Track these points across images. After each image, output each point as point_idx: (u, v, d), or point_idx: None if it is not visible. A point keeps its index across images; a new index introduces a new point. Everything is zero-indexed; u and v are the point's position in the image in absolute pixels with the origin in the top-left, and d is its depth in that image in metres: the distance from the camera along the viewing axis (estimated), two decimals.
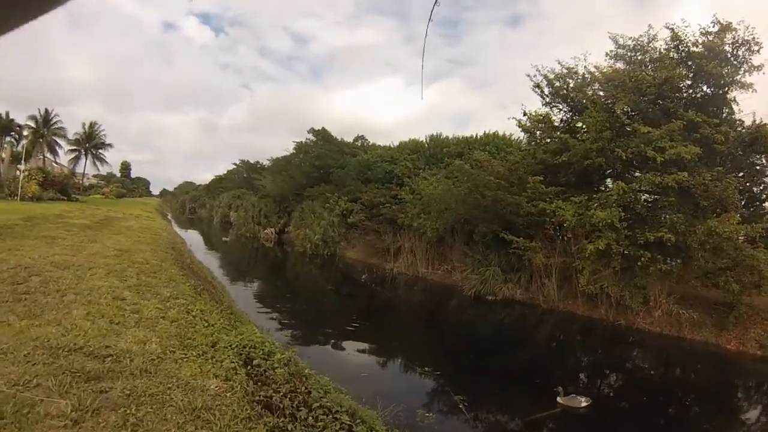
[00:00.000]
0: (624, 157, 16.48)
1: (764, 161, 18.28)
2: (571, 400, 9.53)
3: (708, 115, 16.72)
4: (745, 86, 17.17)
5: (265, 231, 37.13)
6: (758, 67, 16.93)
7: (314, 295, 22.44)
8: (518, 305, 20.55)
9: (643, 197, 17.09)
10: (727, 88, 17.67)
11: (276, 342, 7.63)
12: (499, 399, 10.70)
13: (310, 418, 4.69)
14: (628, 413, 10.38)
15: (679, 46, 17.88)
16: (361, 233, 30.28)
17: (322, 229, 30.74)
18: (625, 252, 16.28)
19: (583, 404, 9.53)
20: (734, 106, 17.91)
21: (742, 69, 17.20)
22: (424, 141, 32.62)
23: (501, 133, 30.27)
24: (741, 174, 17.89)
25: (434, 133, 32.49)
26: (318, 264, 29.19)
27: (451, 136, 32.01)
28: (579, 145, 18.53)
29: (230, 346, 5.70)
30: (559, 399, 9.45)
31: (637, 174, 17.73)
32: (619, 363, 14.66)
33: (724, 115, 18.01)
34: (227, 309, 8.88)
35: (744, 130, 17.68)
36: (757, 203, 19.02)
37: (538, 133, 22.23)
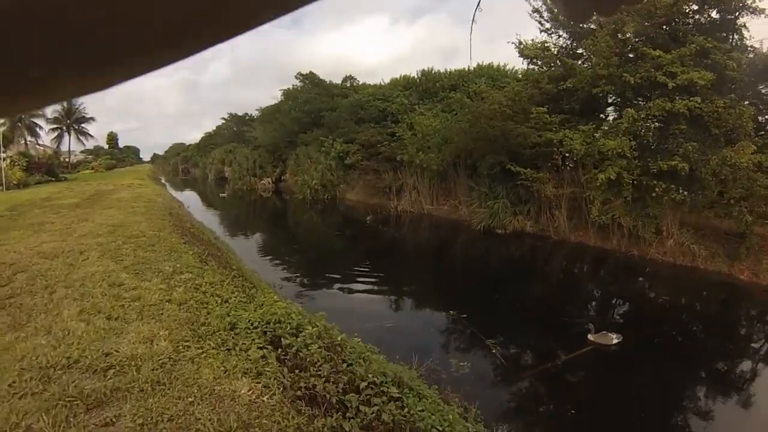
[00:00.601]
0: (633, 83, 15.61)
1: None
2: (602, 337, 9.14)
3: (717, 41, 15.82)
4: (756, 11, 15.91)
5: (262, 182, 35.91)
6: None
7: (319, 240, 21.75)
8: (528, 237, 20.10)
9: (653, 125, 16.20)
10: (737, 13, 16.43)
11: (299, 306, 6.86)
12: (528, 338, 10.09)
13: (361, 404, 3.90)
14: (656, 347, 9.74)
15: None
16: (360, 174, 29.33)
17: (320, 174, 29.72)
18: (636, 181, 15.67)
19: (615, 341, 9.12)
20: (744, 32, 16.79)
21: None
22: (416, 76, 31.14)
23: (495, 64, 29.01)
24: (747, 103, 16.64)
25: (426, 68, 30.97)
26: (319, 209, 28.29)
27: (443, 71, 30.58)
28: (585, 71, 17.61)
29: (252, 325, 4.84)
30: (590, 336, 9.09)
31: (641, 102, 17.01)
32: (638, 294, 14.02)
33: (734, 41, 16.89)
34: (238, 274, 8.00)
35: (755, 57, 16.58)
36: (763, 132, 17.41)
37: (539, 61, 20.99)
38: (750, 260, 14.37)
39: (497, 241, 19.93)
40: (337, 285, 13.43)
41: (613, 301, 13.56)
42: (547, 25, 20.66)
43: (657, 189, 14.92)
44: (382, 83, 33.07)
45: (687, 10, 16.75)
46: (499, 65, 28.81)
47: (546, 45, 20.73)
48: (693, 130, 15.29)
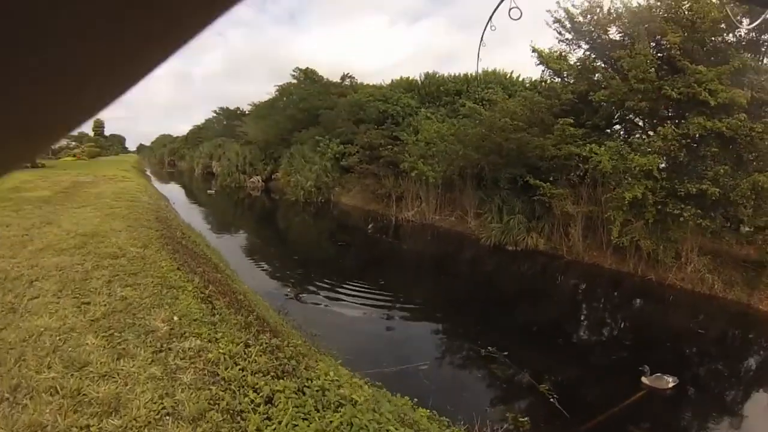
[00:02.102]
0: (674, 97, 14.07)
1: None
2: (657, 381, 8.07)
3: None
4: None
5: (251, 180, 32.83)
6: None
7: (313, 247, 19.36)
8: (541, 256, 18.14)
9: (686, 145, 14.42)
10: None
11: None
12: (576, 380, 8.47)
13: None
14: (709, 389, 8.79)
15: None
16: (358, 177, 26.84)
17: (315, 175, 27.07)
18: (660, 203, 14.28)
19: (671, 384, 8.06)
20: None
21: None
22: (419, 79, 28.89)
23: (501, 70, 26.97)
24: None
25: (429, 71, 28.74)
26: (312, 212, 25.65)
27: (446, 74, 28.42)
28: (620, 86, 15.68)
29: None
30: (644, 379, 8.02)
31: (673, 120, 15.49)
32: (674, 325, 12.29)
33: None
34: (260, 322, 5.54)
35: None
36: None
37: (565, 72, 19.20)
38: None
39: (508, 258, 18.02)
40: (337, 294, 11.93)
41: (647, 333, 11.79)
42: (568, 36, 18.86)
43: (685, 212, 13.61)
44: (383, 84, 30.69)
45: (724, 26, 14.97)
46: (506, 72, 26.73)
47: (565, 55, 19.11)
48: (724, 153, 14.00)
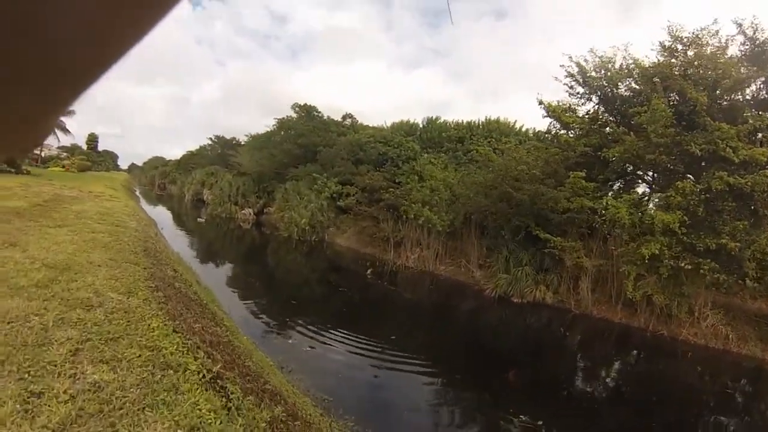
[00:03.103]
0: (697, 154, 13.67)
1: None
2: None
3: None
4: None
5: (243, 211, 30.76)
6: None
7: (306, 289, 17.37)
8: (547, 309, 16.87)
9: (704, 200, 13.93)
10: None
11: None
12: None
13: None
14: None
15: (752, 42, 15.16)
16: (355, 218, 25.22)
17: (310, 212, 25.33)
18: (676, 257, 13.76)
19: None
20: None
21: None
22: (420, 123, 27.81)
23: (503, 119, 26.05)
24: None
25: (431, 116, 27.68)
26: (304, 251, 23.75)
27: (449, 120, 27.37)
28: (633, 141, 15.37)
29: None
30: None
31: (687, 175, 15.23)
32: (701, 385, 11.96)
33: None
34: (288, 412, 3.78)
35: None
36: None
37: (576, 126, 18.62)
38: None
39: (513, 311, 16.67)
40: (329, 341, 10.49)
41: (674, 394, 11.01)
42: (580, 90, 18.61)
43: (704, 266, 13.13)
44: (384, 126, 29.49)
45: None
46: (509, 122, 25.80)
47: (574, 108, 18.92)
48: (740, 209, 13.95)
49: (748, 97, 15.44)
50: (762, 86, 15.37)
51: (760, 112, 14.78)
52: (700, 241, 13.46)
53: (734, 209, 13.82)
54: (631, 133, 15.82)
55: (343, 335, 10.99)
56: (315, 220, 25.40)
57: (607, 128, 17.67)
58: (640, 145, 15.08)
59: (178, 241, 18.49)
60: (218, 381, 3.59)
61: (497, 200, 17.97)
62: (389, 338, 11.58)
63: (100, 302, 4.66)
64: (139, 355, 3.47)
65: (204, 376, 3.48)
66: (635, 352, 14.50)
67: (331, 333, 11.04)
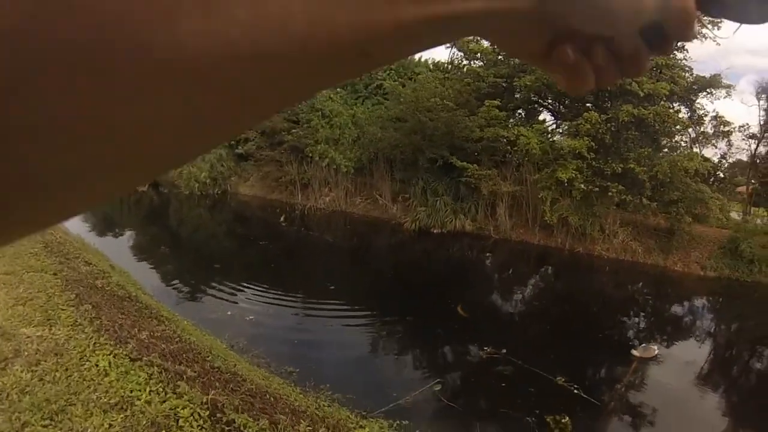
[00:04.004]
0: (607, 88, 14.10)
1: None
2: (646, 351, 8.09)
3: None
4: (700, 36, 15.16)
5: None
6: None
7: (223, 246, 16.03)
8: (467, 237, 17.15)
9: (611, 129, 15.07)
10: None
11: None
12: (574, 362, 7.85)
13: None
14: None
15: None
16: (256, 165, 23.52)
17: (209, 165, 23.20)
18: (588, 181, 14.65)
19: (656, 352, 8.17)
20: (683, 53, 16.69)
21: None
22: None
23: None
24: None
25: None
26: (208, 205, 21.73)
27: None
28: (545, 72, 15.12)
29: None
30: (634, 352, 8.05)
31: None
32: (605, 288, 13.48)
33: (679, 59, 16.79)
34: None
35: (692, 78, 16.56)
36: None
37: (479, 56, 18.74)
38: (680, 253, 14.89)
39: (435, 242, 16.66)
40: (248, 296, 9.87)
41: (581, 296, 12.43)
42: None
43: (612, 189, 14.24)
44: None
45: None
46: None
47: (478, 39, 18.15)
48: (642, 138, 15.24)
49: None
50: None
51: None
52: (608, 165, 14.28)
53: (638, 137, 14.92)
54: None
55: (277, 294, 10.09)
56: (215, 172, 23.34)
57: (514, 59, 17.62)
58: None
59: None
60: (217, 414, 2.69)
61: (410, 132, 17.48)
62: (327, 289, 10.94)
63: (16, 349, 3.40)
64: (110, 425, 2.44)
65: (200, 416, 2.56)
66: (556, 269, 15.20)
67: (266, 294, 10.07)
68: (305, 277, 12.35)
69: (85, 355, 3.44)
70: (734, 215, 18.21)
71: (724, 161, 21.22)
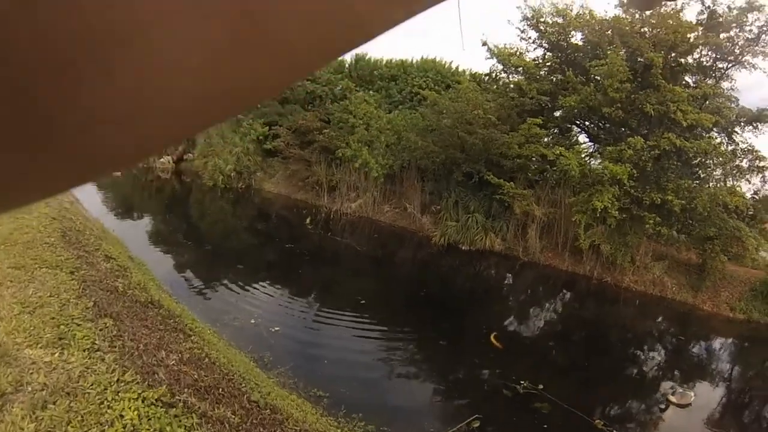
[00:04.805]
0: (651, 113, 13.83)
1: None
2: (683, 398, 7.75)
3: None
4: (746, 65, 15.27)
5: (161, 159, 27.16)
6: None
7: (239, 240, 15.71)
8: (495, 256, 16.51)
9: (653, 157, 14.35)
10: (732, 63, 15.61)
11: None
12: (611, 403, 7.87)
13: None
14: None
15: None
16: (283, 162, 22.85)
17: (235, 158, 22.56)
18: (624, 209, 14.08)
19: (692, 399, 7.86)
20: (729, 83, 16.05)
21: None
22: (348, 60, 25.36)
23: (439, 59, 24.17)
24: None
25: (360, 53, 25.25)
26: (231, 199, 21.18)
27: (380, 57, 25.11)
28: (590, 92, 14.98)
29: None
30: (671, 398, 7.73)
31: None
32: (632, 322, 13.09)
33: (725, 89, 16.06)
34: None
35: (738, 108, 15.80)
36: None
37: (520, 69, 17.94)
38: (710, 292, 14.31)
39: (463, 259, 16.09)
40: (272, 299, 9.74)
41: (626, 335, 12.18)
42: (532, 34, 17.73)
43: (649, 220, 13.69)
44: None
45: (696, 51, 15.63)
46: (443, 61, 24.12)
47: (522, 53, 18.04)
48: (683, 168, 14.81)
49: (689, 60, 15.77)
50: (708, 52, 15.67)
51: (700, 76, 15.63)
52: (646, 195, 13.73)
53: (678, 168, 14.47)
54: (591, 84, 15.35)
55: (304, 305, 9.85)
56: (241, 165, 22.75)
57: (558, 75, 16.98)
58: (598, 98, 14.71)
59: (90, 200, 15.50)
60: None
61: (448, 146, 16.86)
62: (357, 302, 10.46)
63: (17, 380, 2.73)
64: None
65: None
66: (584, 298, 14.74)
67: (292, 304, 9.75)
68: (333, 286, 11.88)
69: (106, 399, 2.77)
70: (763, 254, 17.50)
71: (756, 197, 20.76)
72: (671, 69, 14.81)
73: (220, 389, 3.89)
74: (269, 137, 22.82)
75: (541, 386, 7.26)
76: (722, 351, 12.12)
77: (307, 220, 17.90)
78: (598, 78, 15.00)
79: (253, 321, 8.33)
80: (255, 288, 10.14)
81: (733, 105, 15.54)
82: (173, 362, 3.90)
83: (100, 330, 3.92)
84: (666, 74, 14.30)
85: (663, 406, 7.79)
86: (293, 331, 8.38)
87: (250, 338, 7.45)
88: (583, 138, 18.34)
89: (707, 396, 8.72)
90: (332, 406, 5.74)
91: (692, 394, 7.98)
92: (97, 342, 3.66)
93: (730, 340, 12.81)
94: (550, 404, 6.88)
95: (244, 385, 4.46)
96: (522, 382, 7.34)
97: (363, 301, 10.50)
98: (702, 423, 7.63)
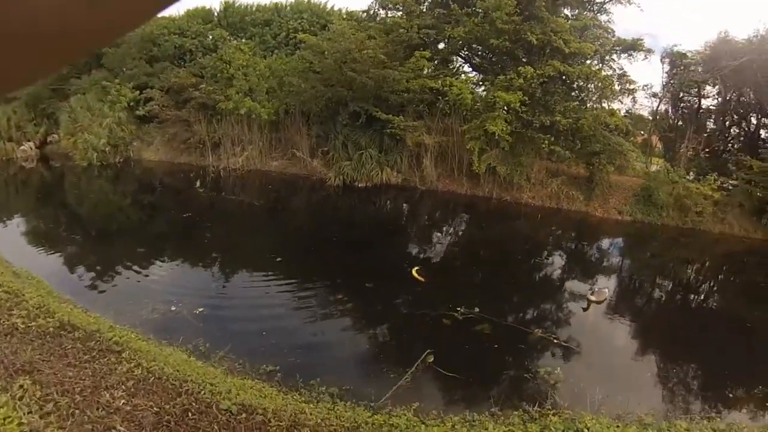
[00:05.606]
0: (535, 42, 14.35)
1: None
2: (599, 295, 8.26)
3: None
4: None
5: (21, 148, 23.62)
6: None
7: (127, 218, 13.95)
8: (393, 189, 16.52)
9: (541, 84, 15.03)
10: None
11: None
12: (534, 312, 8.30)
13: None
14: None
15: None
16: (160, 127, 20.84)
17: (107, 130, 20.03)
18: (516, 133, 14.65)
19: (607, 295, 8.49)
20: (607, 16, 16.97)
21: None
22: (217, 8, 23.26)
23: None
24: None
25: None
26: (110, 176, 18.82)
27: (251, 3, 23.20)
28: (476, 25, 15.30)
29: None
30: (590, 297, 8.19)
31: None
32: (539, 236, 14.00)
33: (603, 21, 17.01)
34: None
35: (615, 39, 16.80)
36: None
37: (412, 7, 17.33)
38: (600, 200, 15.63)
39: (362, 195, 15.91)
40: (168, 271, 8.88)
41: (534, 246, 12.87)
42: None
43: (545, 141, 14.62)
44: (177, 15, 24.18)
45: None
46: (318, 2, 22.74)
47: None
48: (567, 93, 15.68)
49: None
50: None
51: (579, 10, 16.44)
52: (536, 118, 14.45)
53: (563, 91, 15.37)
54: (478, 17, 15.54)
55: (219, 275, 9.01)
56: (115, 137, 20.34)
57: (441, 10, 16.61)
58: (486, 28, 15.00)
59: None
60: None
61: (336, 83, 16.26)
62: (272, 260, 9.68)
63: None
64: None
65: None
66: (487, 217, 15.25)
67: (209, 276, 9.00)
68: (242, 248, 10.91)
69: None
70: (638, 164, 19.19)
71: (628, 115, 23.16)
72: (552, 2, 15.21)
73: (189, 412, 3.32)
74: (141, 102, 20.62)
75: (476, 309, 7.32)
76: (614, 248, 13.45)
77: (197, 184, 16.49)
78: (481, 11, 15.20)
79: (173, 308, 7.10)
80: (162, 270, 8.88)
81: (609, 36, 16.52)
82: (123, 401, 3.05)
83: (20, 398, 2.94)
84: (548, 6, 14.75)
85: (585, 306, 8.17)
86: (218, 309, 7.37)
87: (177, 327, 6.40)
88: (466, 69, 18.47)
89: (610, 288, 9.30)
90: (287, 379, 5.27)
91: (606, 290, 8.49)
92: (23, 418, 2.64)
93: (620, 239, 14.39)
94: (490, 324, 6.96)
95: (203, 392, 3.88)
96: (458, 308, 7.28)
97: (279, 259, 9.77)
98: (602, 313, 8.24)
